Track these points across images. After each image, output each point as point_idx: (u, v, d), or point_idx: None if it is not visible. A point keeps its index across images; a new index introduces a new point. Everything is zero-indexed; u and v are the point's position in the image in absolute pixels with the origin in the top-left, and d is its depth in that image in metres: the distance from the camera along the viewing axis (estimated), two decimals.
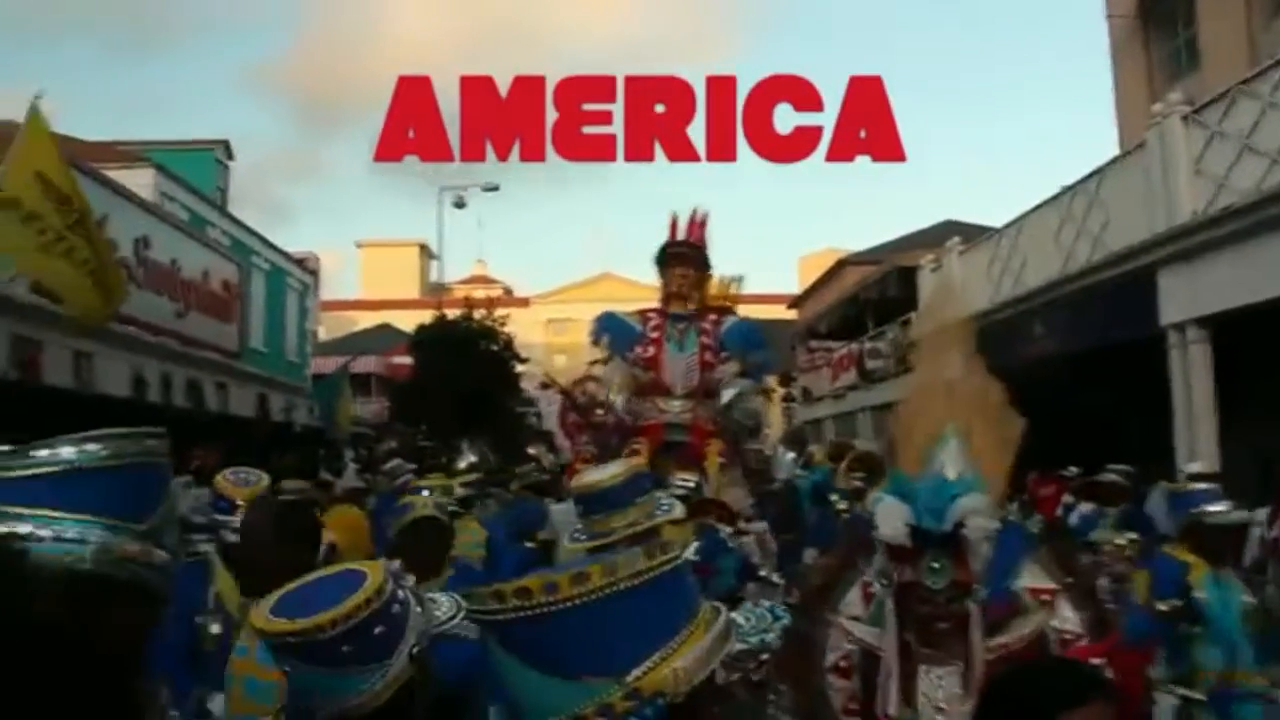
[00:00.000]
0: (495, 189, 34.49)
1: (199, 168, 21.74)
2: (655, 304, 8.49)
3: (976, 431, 2.84)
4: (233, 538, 3.74)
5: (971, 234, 20.20)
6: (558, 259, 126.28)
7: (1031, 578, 2.88)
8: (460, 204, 33.80)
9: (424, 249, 58.33)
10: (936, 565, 2.46)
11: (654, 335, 7.90)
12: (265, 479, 4.13)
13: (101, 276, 9.39)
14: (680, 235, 8.12)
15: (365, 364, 31.62)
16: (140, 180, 16.35)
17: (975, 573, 2.51)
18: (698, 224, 8.18)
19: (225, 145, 24.35)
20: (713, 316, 8.11)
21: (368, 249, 64.58)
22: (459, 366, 25.75)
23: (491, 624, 1.35)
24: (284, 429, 17.12)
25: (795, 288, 43.25)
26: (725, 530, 6.19)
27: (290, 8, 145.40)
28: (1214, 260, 11.49)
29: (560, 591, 1.30)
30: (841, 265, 31.94)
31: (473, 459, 11.09)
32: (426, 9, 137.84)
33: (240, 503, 3.84)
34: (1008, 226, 17.28)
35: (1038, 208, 16.13)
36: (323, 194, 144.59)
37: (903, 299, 21.29)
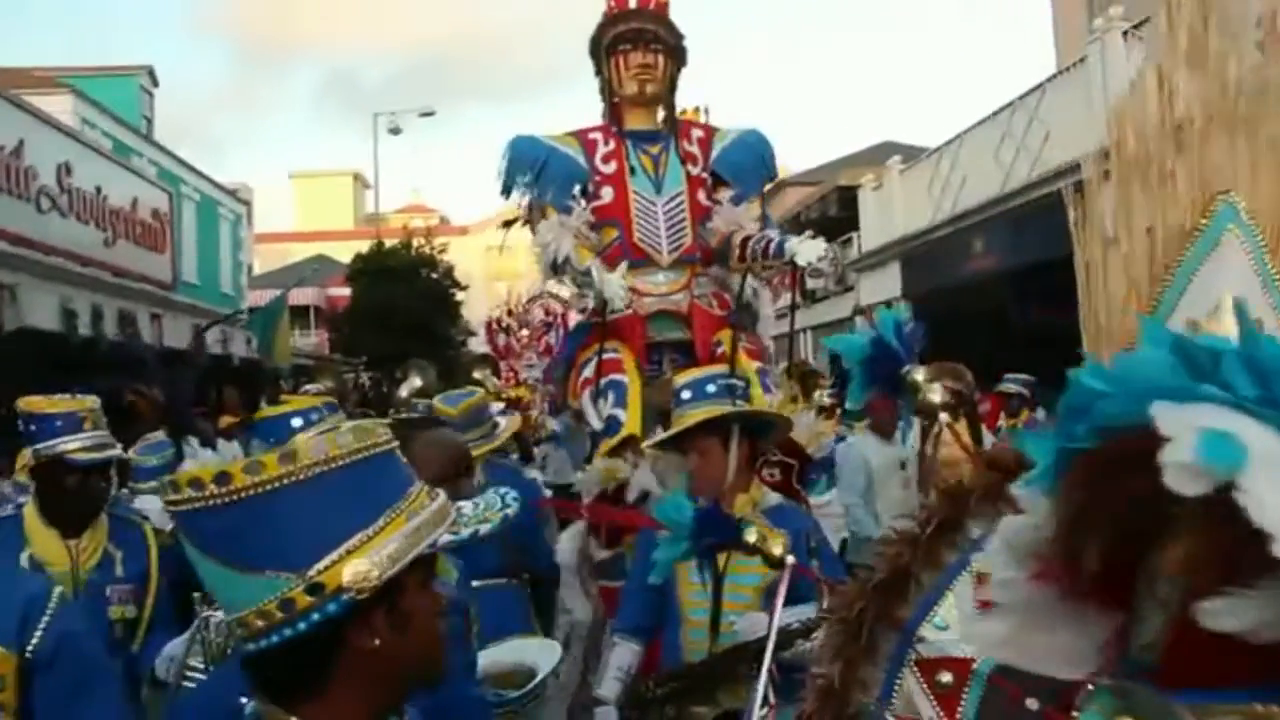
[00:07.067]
0: (431, 114, 33.97)
1: (122, 94, 20.96)
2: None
3: None
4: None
5: (910, 154, 20.25)
6: (495, 186, 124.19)
7: None
8: (395, 130, 33.17)
9: (358, 178, 57.59)
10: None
11: (608, 171, 4.83)
12: None
13: None
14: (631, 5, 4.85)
15: (303, 295, 31.09)
16: (58, 106, 15.69)
17: None
18: None
19: (149, 71, 23.45)
20: (698, 132, 5.05)
21: (300, 180, 63.25)
22: (398, 296, 25.53)
23: (174, 515, 1.27)
24: (222, 361, 16.74)
25: None
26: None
27: None
28: None
29: (233, 482, 1.21)
30: (781, 186, 31.87)
31: (417, 384, 10.98)
32: None
33: None
34: (948, 144, 17.33)
35: (978, 124, 16.17)
36: (255, 126, 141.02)
37: (844, 219, 21.38)
